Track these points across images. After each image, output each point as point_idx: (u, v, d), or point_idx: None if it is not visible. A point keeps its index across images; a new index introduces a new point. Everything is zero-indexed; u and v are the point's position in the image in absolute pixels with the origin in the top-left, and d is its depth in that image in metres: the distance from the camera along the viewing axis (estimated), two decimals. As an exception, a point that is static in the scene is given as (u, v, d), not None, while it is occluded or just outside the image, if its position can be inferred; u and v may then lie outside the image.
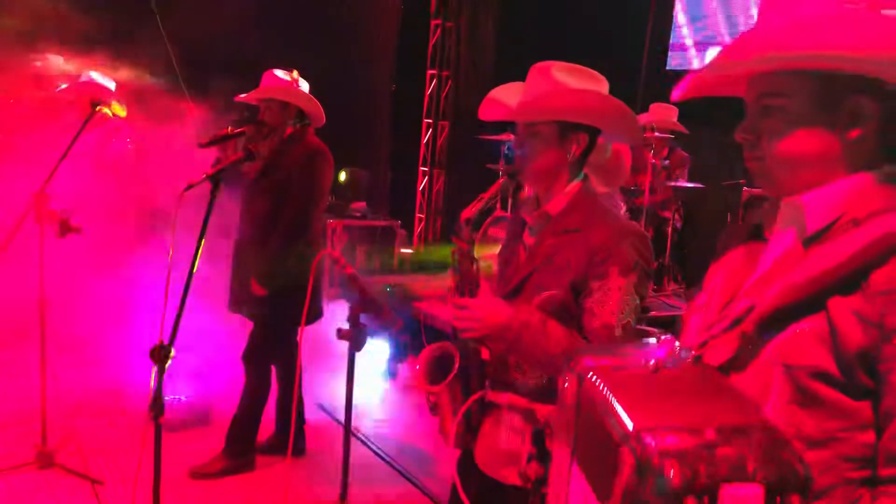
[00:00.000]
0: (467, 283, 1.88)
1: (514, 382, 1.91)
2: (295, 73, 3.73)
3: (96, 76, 4.65)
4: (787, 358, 1.09)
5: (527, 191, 2.06)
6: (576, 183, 1.90)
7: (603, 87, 1.89)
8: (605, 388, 1.06)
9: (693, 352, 1.16)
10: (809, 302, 1.07)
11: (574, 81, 1.85)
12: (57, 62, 5.29)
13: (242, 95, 3.75)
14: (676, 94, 1.29)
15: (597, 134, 1.90)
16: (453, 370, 1.92)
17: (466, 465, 2.02)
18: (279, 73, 3.70)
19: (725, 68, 1.19)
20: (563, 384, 1.20)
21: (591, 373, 1.10)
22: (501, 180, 1.93)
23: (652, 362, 1.10)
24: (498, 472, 1.94)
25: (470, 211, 1.89)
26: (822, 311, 1.06)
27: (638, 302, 1.80)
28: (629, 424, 1.00)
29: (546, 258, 1.86)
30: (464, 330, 1.79)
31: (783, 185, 1.19)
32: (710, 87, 1.26)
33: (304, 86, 3.73)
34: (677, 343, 1.19)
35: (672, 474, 0.92)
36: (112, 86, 4.72)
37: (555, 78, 1.85)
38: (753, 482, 0.93)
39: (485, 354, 1.97)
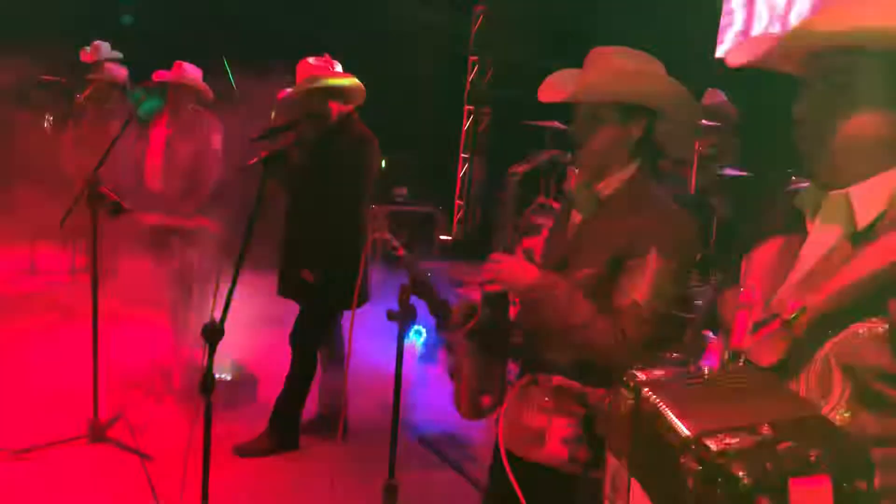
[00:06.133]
0: (503, 240, 1.91)
1: (545, 361, 1.90)
2: (326, 56, 3.74)
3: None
4: (847, 359, 1.07)
5: (572, 180, 2.05)
6: (632, 167, 1.88)
7: (660, 70, 1.86)
8: (659, 401, 1.06)
9: (743, 355, 1.15)
10: (866, 303, 1.06)
11: (634, 64, 1.83)
12: (106, 48, 5.37)
13: (287, 91, 3.74)
14: (732, 58, 1.26)
15: (656, 118, 1.87)
16: (472, 321, 1.92)
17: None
18: (312, 60, 3.70)
19: (797, 40, 1.16)
20: (616, 394, 1.19)
21: (646, 388, 1.10)
22: (555, 152, 1.94)
23: (706, 370, 1.11)
24: (521, 448, 1.92)
25: (519, 167, 1.91)
26: (881, 312, 1.05)
27: (675, 290, 1.78)
28: (685, 431, 0.98)
29: (590, 237, 1.86)
30: (488, 281, 1.81)
31: (839, 169, 1.16)
32: (764, 60, 1.22)
33: (338, 66, 3.75)
34: (725, 344, 1.18)
35: (742, 475, 0.91)
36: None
37: (615, 60, 1.83)
38: (819, 473, 0.92)
39: (511, 313, 1.97)
